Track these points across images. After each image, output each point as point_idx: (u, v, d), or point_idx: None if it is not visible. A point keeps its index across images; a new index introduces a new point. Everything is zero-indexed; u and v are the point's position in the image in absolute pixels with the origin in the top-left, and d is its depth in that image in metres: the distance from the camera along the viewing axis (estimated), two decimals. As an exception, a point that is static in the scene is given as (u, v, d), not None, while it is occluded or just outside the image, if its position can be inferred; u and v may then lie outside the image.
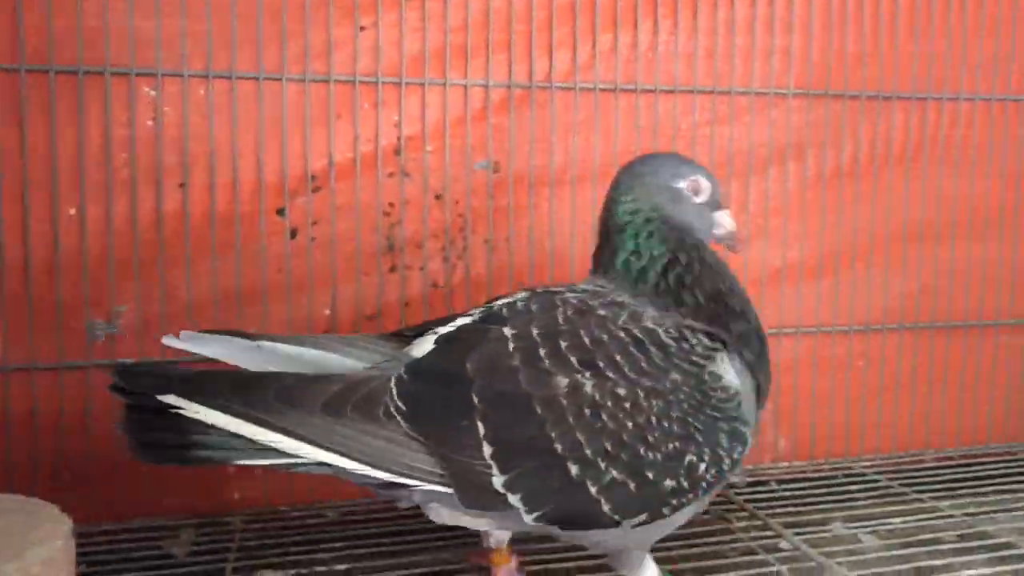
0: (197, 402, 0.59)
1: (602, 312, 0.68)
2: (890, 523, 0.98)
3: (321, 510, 1.00)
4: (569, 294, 0.71)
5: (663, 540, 0.72)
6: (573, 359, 0.64)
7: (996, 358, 1.23)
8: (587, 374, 0.64)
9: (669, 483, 0.63)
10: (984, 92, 1.20)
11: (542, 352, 0.64)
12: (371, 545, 0.89)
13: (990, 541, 0.91)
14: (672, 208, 0.74)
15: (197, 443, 0.59)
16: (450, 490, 0.62)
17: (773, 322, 1.14)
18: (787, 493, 1.06)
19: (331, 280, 1.01)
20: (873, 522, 0.98)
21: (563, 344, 0.65)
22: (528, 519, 0.62)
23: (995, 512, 1.01)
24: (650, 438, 0.63)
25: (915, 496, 1.06)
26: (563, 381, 0.63)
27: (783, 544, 0.90)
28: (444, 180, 1.03)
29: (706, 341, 0.68)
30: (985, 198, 1.21)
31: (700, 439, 0.64)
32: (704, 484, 0.65)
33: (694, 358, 0.66)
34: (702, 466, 0.64)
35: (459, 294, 1.05)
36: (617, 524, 0.64)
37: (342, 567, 0.85)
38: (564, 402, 0.62)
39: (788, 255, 1.15)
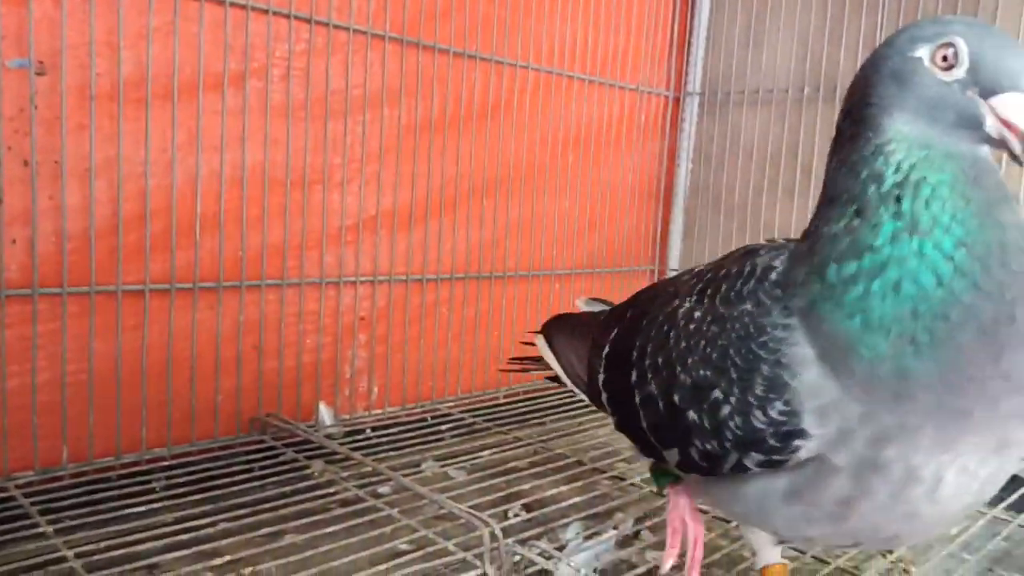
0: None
1: (757, 245, 0.61)
2: (479, 456, 1.03)
3: None
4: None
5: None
6: (698, 287, 0.60)
7: (551, 303, 1.39)
8: (692, 300, 0.60)
9: (692, 415, 0.55)
10: (548, 64, 1.33)
11: (693, 282, 0.62)
12: None
13: (561, 462, 1.02)
14: (899, 92, 0.49)
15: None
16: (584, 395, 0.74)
17: (368, 270, 1.13)
18: (384, 439, 1.05)
19: None
20: (463, 457, 1.03)
21: (708, 275, 0.61)
22: (614, 422, 0.67)
23: (559, 436, 1.14)
24: (689, 360, 0.56)
25: (496, 429, 1.14)
26: (675, 302, 0.62)
27: (383, 489, 0.89)
28: (-36, 76, 0.79)
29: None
30: (535, 159, 1.33)
31: (733, 374, 0.53)
32: (728, 436, 0.53)
33: (776, 292, 0.53)
34: (725, 408, 0.53)
35: (-13, 229, 0.81)
36: (659, 454, 0.60)
37: None
38: (660, 317, 0.62)
39: (383, 202, 1.14)
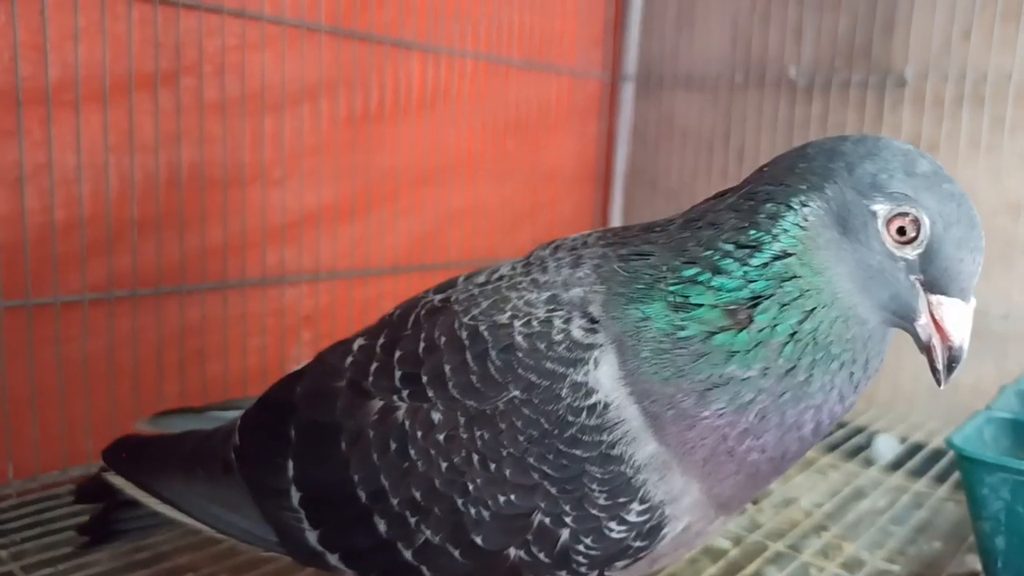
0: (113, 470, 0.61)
1: (458, 307, 0.48)
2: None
3: None
4: (477, 277, 0.53)
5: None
6: (397, 373, 0.48)
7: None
8: (404, 394, 0.47)
9: (515, 553, 0.44)
10: (484, 51, 1.32)
11: (373, 366, 0.49)
12: None
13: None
14: (841, 238, 0.41)
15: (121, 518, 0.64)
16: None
17: (310, 267, 1.12)
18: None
19: None
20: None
21: (397, 353, 0.48)
22: None
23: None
24: (471, 486, 0.44)
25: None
26: (376, 405, 0.47)
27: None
28: None
29: (578, 333, 0.43)
30: (475, 147, 1.34)
31: (552, 489, 0.42)
32: (583, 560, 0.44)
33: (548, 364, 0.43)
34: (564, 532, 0.43)
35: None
36: None
37: None
38: (371, 434, 0.47)
39: (323, 197, 1.13)
